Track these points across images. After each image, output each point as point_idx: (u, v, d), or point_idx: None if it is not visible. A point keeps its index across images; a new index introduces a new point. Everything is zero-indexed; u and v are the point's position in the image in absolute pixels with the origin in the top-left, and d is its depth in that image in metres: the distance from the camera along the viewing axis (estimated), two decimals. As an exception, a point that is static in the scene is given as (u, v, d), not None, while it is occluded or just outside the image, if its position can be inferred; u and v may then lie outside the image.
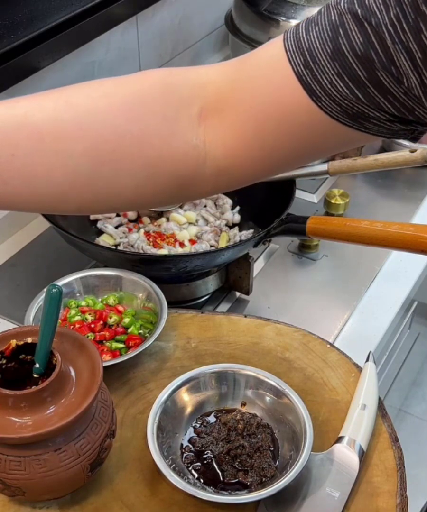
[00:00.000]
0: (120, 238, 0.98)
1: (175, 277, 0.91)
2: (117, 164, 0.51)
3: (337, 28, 0.45)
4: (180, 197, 0.58)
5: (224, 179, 0.55)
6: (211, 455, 0.70)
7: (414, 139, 0.52)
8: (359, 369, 0.79)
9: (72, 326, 0.81)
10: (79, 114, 0.49)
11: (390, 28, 0.43)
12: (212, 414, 0.74)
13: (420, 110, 0.47)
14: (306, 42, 0.47)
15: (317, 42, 0.46)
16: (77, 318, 0.82)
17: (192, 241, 0.98)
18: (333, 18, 0.46)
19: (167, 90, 0.52)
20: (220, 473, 0.69)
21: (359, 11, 0.44)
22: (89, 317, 0.82)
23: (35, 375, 0.61)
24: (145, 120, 0.51)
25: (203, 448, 0.71)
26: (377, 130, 0.49)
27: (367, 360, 0.78)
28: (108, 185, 0.52)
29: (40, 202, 0.52)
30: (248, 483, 0.68)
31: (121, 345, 0.80)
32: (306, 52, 0.47)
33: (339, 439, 0.71)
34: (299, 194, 1.09)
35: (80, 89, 0.51)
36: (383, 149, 1.22)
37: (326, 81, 0.47)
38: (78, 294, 0.85)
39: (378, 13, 0.43)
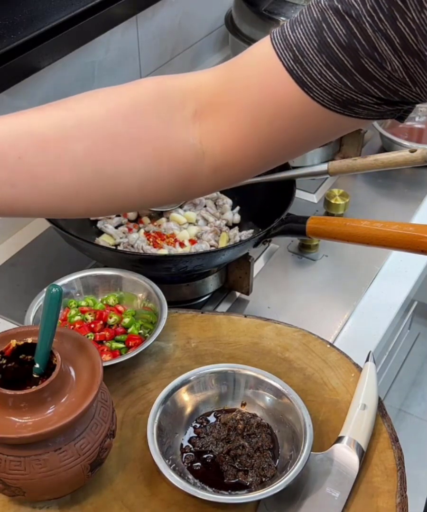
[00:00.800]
0: (120, 238, 0.98)
1: (175, 277, 0.91)
2: (119, 164, 0.53)
3: (320, 24, 0.49)
4: (183, 195, 0.60)
5: (222, 175, 0.58)
6: (212, 455, 0.70)
7: (401, 119, 0.55)
8: (359, 369, 0.79)
9: (72, 326, 0.81)
10: (79, 119, 0.52)
11: (368, 18, 0.47)
12: (213, 414, 0.74)
13: (403, 91, 0.50)
14: (293, 39, 0.50)
15: (304, 38, 0.50)
16: (77, 318, 0.82)
17: (192, 241, 0.98)
18: (315, 15, 0.50)
19: (160, 95, 0.55)
20: (220, 473, 0.69)
21: (339, 6, 0.48)
22: (89, 317, 0.82)
23: (35, 375, 0.61)
24: (141, 122, 0.53)
25: (203, 448, 0.71)
26: (366, 114, 0.52)
27: (367, 360, 0.78)
28: (113, 184, 0.54)
29: (48, 204, 0.53)
30: (248, 483, 0.68)
31: (121, 345, 0.80)
32: (294, 48, 0.50)
33: (339, 439, 0.71)
34: (299, 194, 1.08)
35: (78, 99, 0.54)
36: (383, 149, 1.22)
37: (315, 72, 0.50)
38: (78, 294, 0.85)
39: (356, 6, 0.47)
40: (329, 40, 0.48)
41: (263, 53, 0.52)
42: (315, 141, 0.58)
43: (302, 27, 0.50)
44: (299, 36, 0.50)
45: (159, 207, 1.01)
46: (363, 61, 0.48)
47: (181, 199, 0.61)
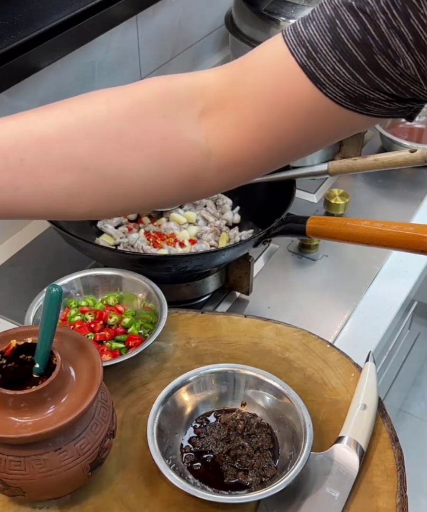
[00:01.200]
0: (120, 238, 0.98)
1: (175, 277, 0.91)
2: (122, 164, 0.52)
3: (333, 20, 0.49)
4: (188, 195, 0.60)
5: (228, 174, 0.57)
6: (212, 455, 0.70)
7: (410, 118, 0.55)
8: (359, 369, 0.79)
9: (72, 326, 0.81)
10: (82, 119, 0.52)
11: (382, 15, 0.47)
12: (213, 414, 0.74)
13: (414, 88, 0.50)
14: (306, 35, 0.51)
15: (317, 34, 0.50)
16: (77, 318, 0.82)
17: (192, 241, 0.98)
18: (328, 12, 0.50)
19: (166, 94, 0.54)
20: (220, 473, 0.69)
21: (353, 3, 0.48)
22: (89, 317, 0.82)
23: (35, 375, 0.61)
24: (144, 120, 0.53)
25: (203, 448, 0.71)
26: (377, 111, 0.53)
27: (367, 360, 0.78)
28: (116, 184, 0.53)
29: (51, 206, 0.52)
30: (248, 483, 0.68)
31: (121, 345, 0.80)
32: (307, 44, 0.50)
33: (339, 439, 0.71)
34: (299, 194, 1.09)
35: (81, 99, 0.54)
36: (383, 149, 1.22)
37: (329, 68, 0.50)
38: (78, 294, 0.85)
39: (370, 2, 0.47)
40: (342, 36, 0.49)
41: (274, 50, 0.52)
42: (325, 140, 0.58)
43: (314, 23, 0.50)
44: (312, 33, 0.50)
45: (166, 207, 1.01)
46: (377, 57, 0.48)
47: (187, 199, 0.61)
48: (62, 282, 0.83)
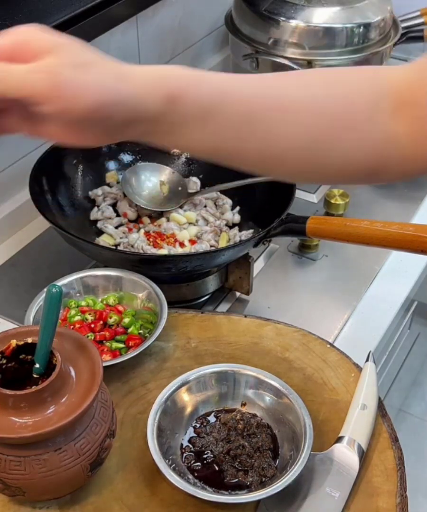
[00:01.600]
0: (120, 238, 0.98)
1: (175, 277, 0.91)
2: (332, 141, 0.58)
3: None
4: (372, 179, 0.66)
5: (409, 167, 0.61)
6: (212, 455, 0.70)
7: None
8: (359, 369, 0.79)
9: (72, 326, 0.81)
10: (316, 96, 0.58)
11: None
12: (213, 414, 0.74)
13: None
14: None
15: None
16: (77, 318, 0.82)
17: (192, 241, 0.98)
18: None
19: (372, 85, 0.60)
20: (220, 473, 0.69)
21: None
22: (89, 317, 0.82)
23: (35, 375, 0.61)
24: (354, 109, 0.59)
25: (203, 448, 0.71)
26: None
27: (367, 360, 0.78)
28: (318, 159, 0.59)
29: (265, 161, 0.59)
30: (248, 483, 0.68)
31: (121, 345, 0.80)
32: None
33: (339, 439, 0.71)
34: (299, 194, 1.08)
35: (317, 75, 0.61)
36: (383, 149, 1.22)
37: None
38: (78, 294, 0.85)
39: None
40: None
41: None
42: None
43: None
44: None
45: (161, 207, 1.01)
46: None
47: (369, 182, 0.66)
48: (62, 282, 0.83)
